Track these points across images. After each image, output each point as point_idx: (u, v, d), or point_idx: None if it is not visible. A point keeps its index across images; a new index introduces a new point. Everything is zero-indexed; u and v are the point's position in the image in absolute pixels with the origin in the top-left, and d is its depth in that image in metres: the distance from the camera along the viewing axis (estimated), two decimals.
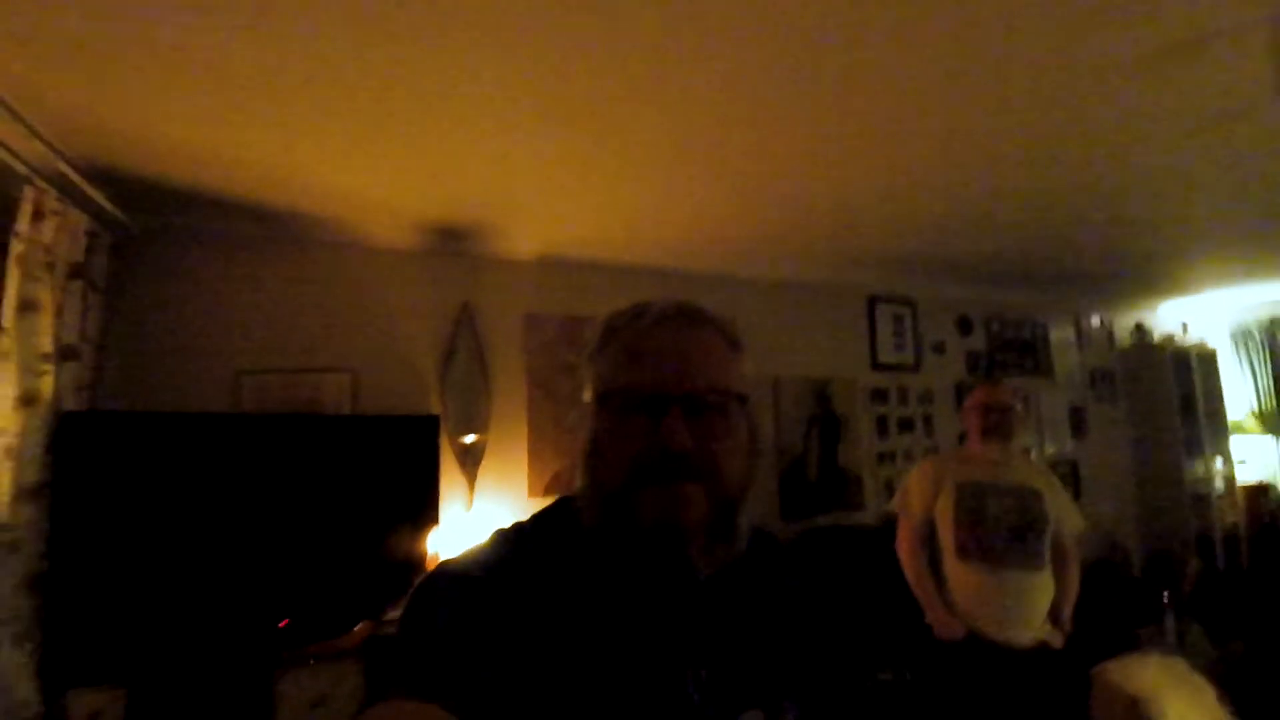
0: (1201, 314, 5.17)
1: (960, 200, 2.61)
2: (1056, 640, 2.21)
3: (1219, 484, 4.72)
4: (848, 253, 3.33)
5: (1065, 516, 2.34)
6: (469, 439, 2.76)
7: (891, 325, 3.98)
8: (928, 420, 4.02)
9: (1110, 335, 4.92)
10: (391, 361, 2.67)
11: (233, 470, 2.13)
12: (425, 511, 2.44)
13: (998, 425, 2.34)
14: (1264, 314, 4.98)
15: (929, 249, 3.30)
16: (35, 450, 1.80)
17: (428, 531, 2.42)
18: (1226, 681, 2.55)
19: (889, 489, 3.77)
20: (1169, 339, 4.94)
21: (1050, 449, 4.45)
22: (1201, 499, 4.62)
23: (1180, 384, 4.69)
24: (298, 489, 2.20)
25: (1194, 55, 1.62)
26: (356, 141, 1.87)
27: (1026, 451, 2.52)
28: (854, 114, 1.83)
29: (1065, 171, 2.36)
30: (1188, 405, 4.70)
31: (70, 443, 1.87)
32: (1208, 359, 4.90)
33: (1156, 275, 4.17)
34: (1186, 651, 2.74)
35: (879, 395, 3.88)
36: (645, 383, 0.64)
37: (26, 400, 1.77)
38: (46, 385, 1.82)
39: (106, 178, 2.04)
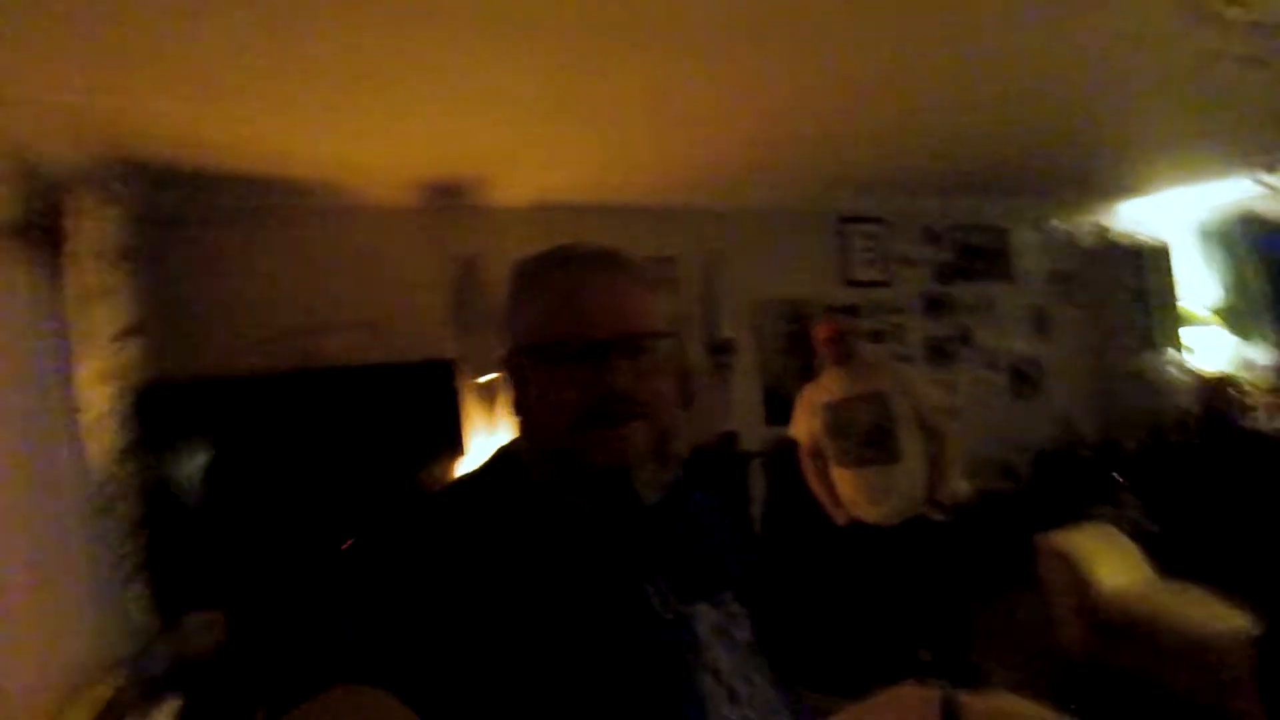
0: (1159, 214, 5.40)
1: (923, 112, 2.75)
2: (934, 513, 2.68)
3: (1174, 372, 5.11)
4: (818, 175, 3.53)
5: (921, 399, 2.74)
6: (484, 378, 3.06)
7: (862, 243, 4.24)
8: (898, 329, 4.35)
9: (1072, 237, 5.18)
10: (407, 313, 2.93)
11: (283, 420, 2.45)
12: (453, 445, 2.78)
13: (838, 352, 2.78)
14: (1222, 211, 5.20)
15: (891, 163, 3.48)
16: (121, 417, 2.08)
17: (457, 461, 2.78)
18: (1155, 546, 2.99)
19: None
20: (1125, 236, 5.22)
21: (1014, 347, 4.81)
22: (1153, 388, 5.03)
23: (1135, 279, 5.01)
24: (340, 431, 2.53)
25: None
26: (352, 112, 2.06)
27: (873, 361, 2.99)
28: (825, 37, 1.96)
29: (1024, 84, 2.53)
30: (1142, 299, 5.04)
31: (150, 409, 2.16)
32: (1162, 254, 5.19)
33: (1111, 175, 4.40)
34: (1125, 524, 3.15)
35: (852, 310, 4.17)
36: (581, 330, 0.65)
37: (104, 376, 2.03)
38: (121, 360, 2.08)
39: (140, 169, 2.24)
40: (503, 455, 0.74)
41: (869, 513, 2.74)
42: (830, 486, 2.87)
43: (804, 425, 2.92)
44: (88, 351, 1.99)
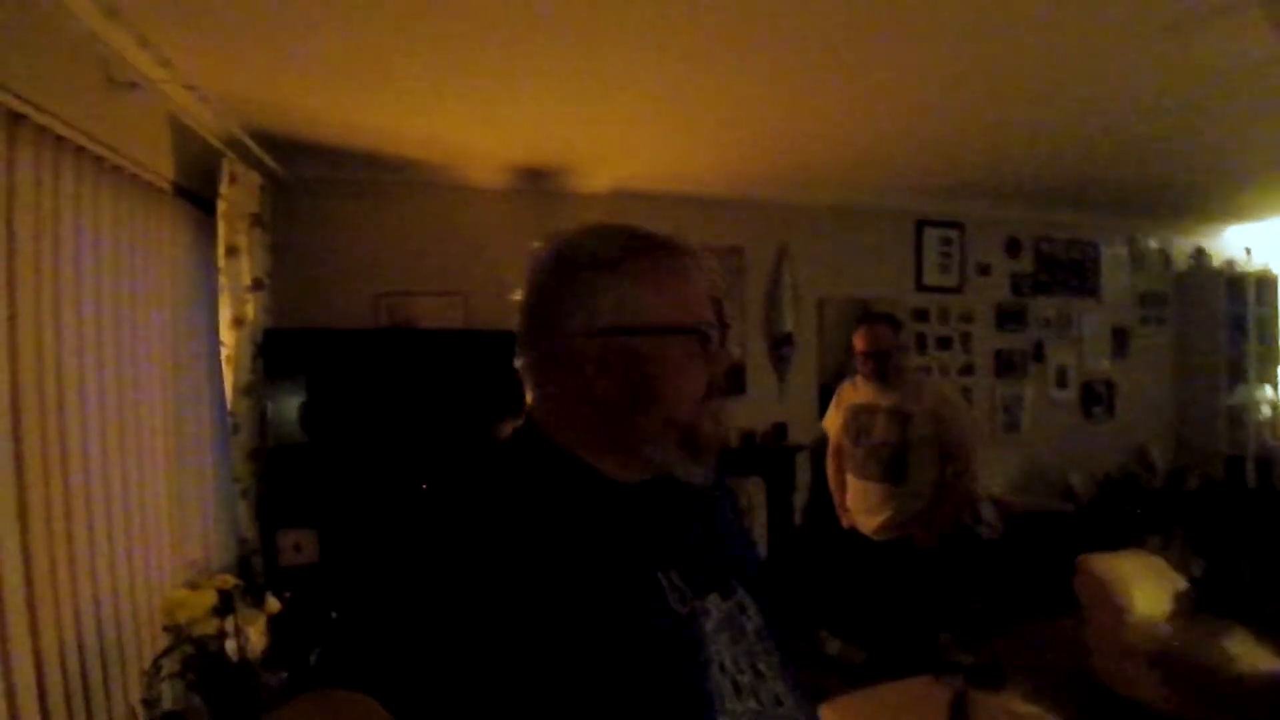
0: (1269, 241, 5.08)
1: (1015, 126, 2.77)
2: (924, 543, 2.58)
3: (1265, 410, 4.85)
4: (896, 180, 3.55)
5: (953, 430, 2.58)
6: None
7: (938, 248, 4.20)
8: (966, 338, 4.31)
9: (1168, 258, 4.94)
10: (493, 286, 3.20)
11: (377, 372, 2.77)
12: (520, 408, 3.05)
13: (874, 370, 2.61)
14: None
15: (976, 173, 3.47)
16: (246, 358, 2.42)
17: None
18: (1201, 583, 2.95)
19: None
20: (1228, 263, 4.94)
21: (1090, 367, 4.69)
22: (1238, 422, 4.79)
23: (1234, 308, 4.74)
24: (426, 387, 2.83)
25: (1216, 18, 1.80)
26: (457, 101, 2.30)
27: (913, 380, 2.75)
28: (915, 53, 2.04)
29: (1121, 106, 2.52)
30: (1239, 329, 4.77)
31: (269, 352, 2.50)
32: (1268, 284, 4.88)
33: (1218, 199, 4.18)
34: (1173, 556, 3.10)
35: (920, 315, 4.18)
36: (705, 317, 0.71)
37: (238, 321, 2.37)
38: (250, 309, 2.42)
39: (269, 141, 2.55)
40: (526, 433, 0.74)
41: (863, 523, 2.74)
42: (842, 487, 2.86)
43: (834, 420, 2.87)
44: (227, 299, 2.33)
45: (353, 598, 0.76)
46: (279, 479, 2.57)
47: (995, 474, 4.39)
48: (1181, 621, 2.70)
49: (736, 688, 0.66)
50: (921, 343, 4.19)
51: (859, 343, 2.67)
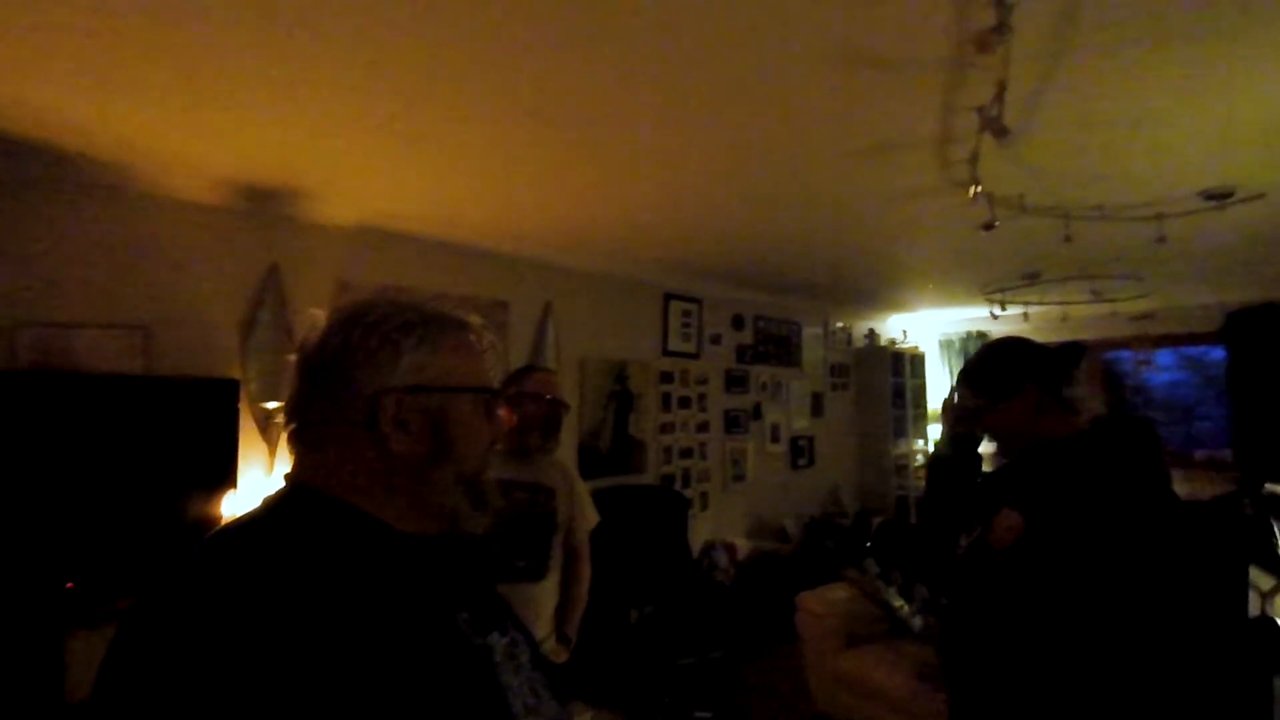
0: (919, 326, 6.56)
1: (736, 225, 3.19)
2: (560, 655, 2.02)
3: (919, 459, 6.09)
4: (647, 255, 3.80)
5: (580, 514, 2.15)
6: (272, 404, 2.78)
7: (680, 319, 4.60)
8: (702, 398, 4.73)
9: (849, 336, 6.08)
10: (189, 321, 2.60)
11: (15, 430, 2.01)
12: (224, 476, 2.47)
13: (553, 419, 2.05)
14: (963, 329, 6.47)
15: (711, 259, 3.89)
16: None
17: (224, 495, 2.46)
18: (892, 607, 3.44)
19: (666, 454, 4.44)
20: (891, 342, 6.22)
21: (797, 424, 5.45)
22: (902, 469, 5.96)
23: (895, 378, 5.96)
24: (88, 449, 2.14)
25: (892, 154, 2.24)
26: (164, 95, 1.82)
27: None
28: (665, 147, 2.19)
29: (816, 220, 3.05)
30: (899, 395, 5.99)
31: None
32: (918, 360, 6.27)
33: (884, 295, 5.29)
34: (866, 586, 3.63)
35: (666, 376, 4.48)
36: (490, 384, 0.83)
37: None
38: None
39: None
40: (306, 493, 0.72)
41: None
42: None
43: None
44: None
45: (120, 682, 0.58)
46: None
47: (727, 521, 4.80)
48: (877, 644, 3.14)
49: (527, 709, 0.74)
50: (667, 402, 4.48)
51: (529, 385, 2.03)
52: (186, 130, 2.06)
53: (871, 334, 6.19)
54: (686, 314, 4.64)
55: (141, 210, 2.51)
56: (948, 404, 1.59)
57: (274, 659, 0.56)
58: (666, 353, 4.51)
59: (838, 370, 5.95)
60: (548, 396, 2.03)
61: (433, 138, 2.16)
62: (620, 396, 4.21)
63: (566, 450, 3.86)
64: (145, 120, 1.98)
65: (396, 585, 0.69)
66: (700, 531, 4.54)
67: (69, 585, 1.95)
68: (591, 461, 3.99)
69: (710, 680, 3.54)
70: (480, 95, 1.85)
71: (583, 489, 2.21)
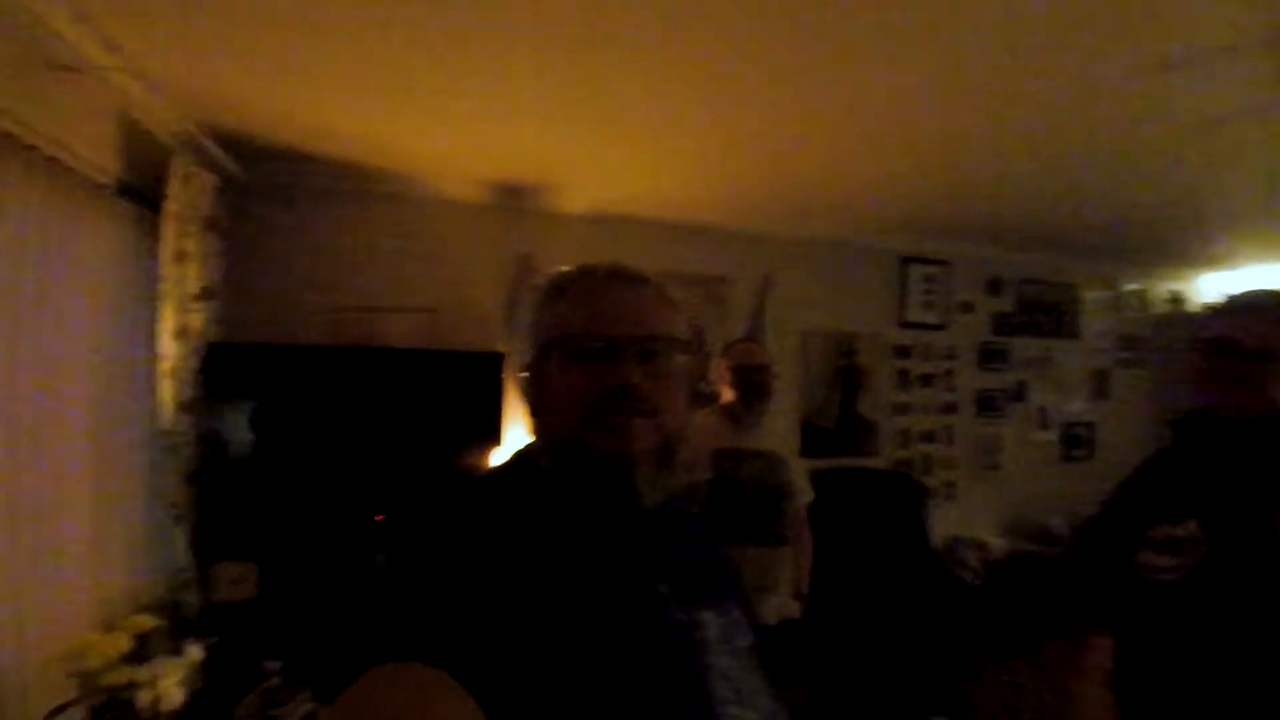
0: (1242, 288, 5.15)
1: (994, 169, 2.75)
2: (795, 611, 2.27)
3: None
4: (877, 215, 3.51)
5: (802, 486, 2.35)
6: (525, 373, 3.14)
7: (921, 285, 4.15)
8: (949, 375, 4.25)
9: (1144, 301, 4.98)
10: (464, 304, 3.05)
11: (334, 393, 2.58)
12: (492, 433, 2.86)
13: (758, 385, 2.27)
14: None
15: (960, 214, 3.45)
16: (188, 373, 2.23)
17: (492, 450, 2.85)
18: None
19: (903, 437, 4.08)
20: (1205, 307, 4.98)
21: (1072, 408, 4.65)
22: None
23: None
24: (387, 410, 2.64)
25: (1210, 62, 1.77)
26: (431, 110, 2.17)
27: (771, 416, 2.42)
28: (898, 86, 1.96)
29: (1111, 145, 2.47)
30: None
31: (214, 367, 2.30)
32: None
33: (1191, 248, 4.22)
34: None
35: (902, 351, 4.11)
36: (598, 328, 0.72)
37: (181, 332, 2.18)
38: (195, 320, 2.24)
39: (227, 140, 2.40)
40: (519, 455, 0.79)
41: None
42: None
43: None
44: (171, 307, 2.15)
45: (361, 594, 0.69)
46: (219, 505, 2.35)
47: (977, 516, 4.29)
48: None
49: (739, 694, 0.69)
50: (904, 379, 4.12)
51: (738, 357, 2.33)
52: (457, 138, 2.42)
53: (1175, 297, 5.00)
54: (929, 279, 4.18)
55: (420, 211, 3.02)
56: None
57: (454, 593, 0.60)
58: (904, 324, 4.13)
59: (1129, 343, 4.92)
60: (744, 365, 2.24)
61: (666, 124, 2.25)
62: (847, 372, 3.98)
63: (789, 425, 3.77)
64: (425, 133, 2.37)
65: (588, 552, 0.68)
66: (943, 525, 4.13)
67: (378, 518, 2.43)
68: (815, 440, 3.84)
69: (946, 684, 3.22)
70: (712, 71, 1.87)
71: (796, 461, 2.37)
